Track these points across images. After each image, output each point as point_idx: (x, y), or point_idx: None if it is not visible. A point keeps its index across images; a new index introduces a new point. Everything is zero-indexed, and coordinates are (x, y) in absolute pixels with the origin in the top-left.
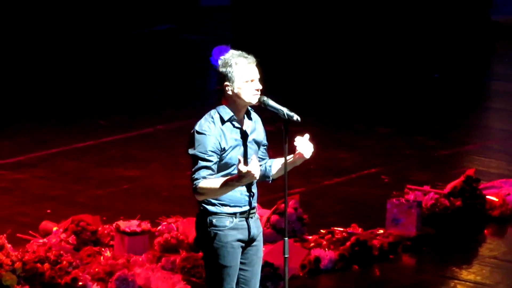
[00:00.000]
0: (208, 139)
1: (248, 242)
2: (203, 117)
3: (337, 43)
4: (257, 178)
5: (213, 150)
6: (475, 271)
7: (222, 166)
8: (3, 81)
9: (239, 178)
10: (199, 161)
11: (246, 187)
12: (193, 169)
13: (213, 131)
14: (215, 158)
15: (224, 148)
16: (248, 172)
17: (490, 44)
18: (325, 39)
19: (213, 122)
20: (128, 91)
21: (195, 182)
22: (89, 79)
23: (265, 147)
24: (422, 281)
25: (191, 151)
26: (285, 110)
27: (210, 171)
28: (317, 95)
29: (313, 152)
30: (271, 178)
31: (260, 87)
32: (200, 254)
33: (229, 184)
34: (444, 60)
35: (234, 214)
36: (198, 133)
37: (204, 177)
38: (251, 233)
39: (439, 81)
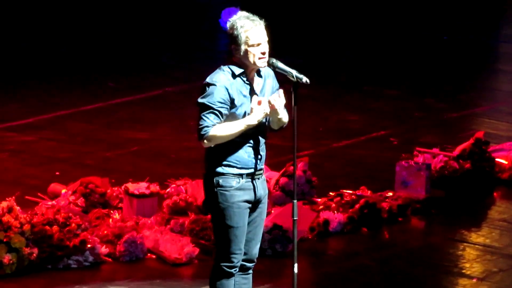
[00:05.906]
0: (218, 89)
1: (254, 203)
2: (214, 71)
3: (346, 4)
4: (268, 112)
5: (222, 101)
6: (484, 234)
7: (230, 120)
8: (10, 43)
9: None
10: (208, 109)
11: (254, 149)
12: (201, 115)
13: (223, 82)
14: (224, 109)
15: (233, 100)
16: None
17: (499, 5)
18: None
19: (224, 74)
20: (137, 53)
21: (205, 129)
22: (98, 41)
23: None
24: (431, 244)
25: (200, 100)
26: (294, 72)
27: (218, 119)
28: (326, 57)
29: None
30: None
31: (267, 50)
32: (209, 216)
33: (242, 124)
34: (453, 22)
35: (241, 175)
36: (209, 84)
37: (214, 124)
38: (258, 194)
39: (448, 43)
